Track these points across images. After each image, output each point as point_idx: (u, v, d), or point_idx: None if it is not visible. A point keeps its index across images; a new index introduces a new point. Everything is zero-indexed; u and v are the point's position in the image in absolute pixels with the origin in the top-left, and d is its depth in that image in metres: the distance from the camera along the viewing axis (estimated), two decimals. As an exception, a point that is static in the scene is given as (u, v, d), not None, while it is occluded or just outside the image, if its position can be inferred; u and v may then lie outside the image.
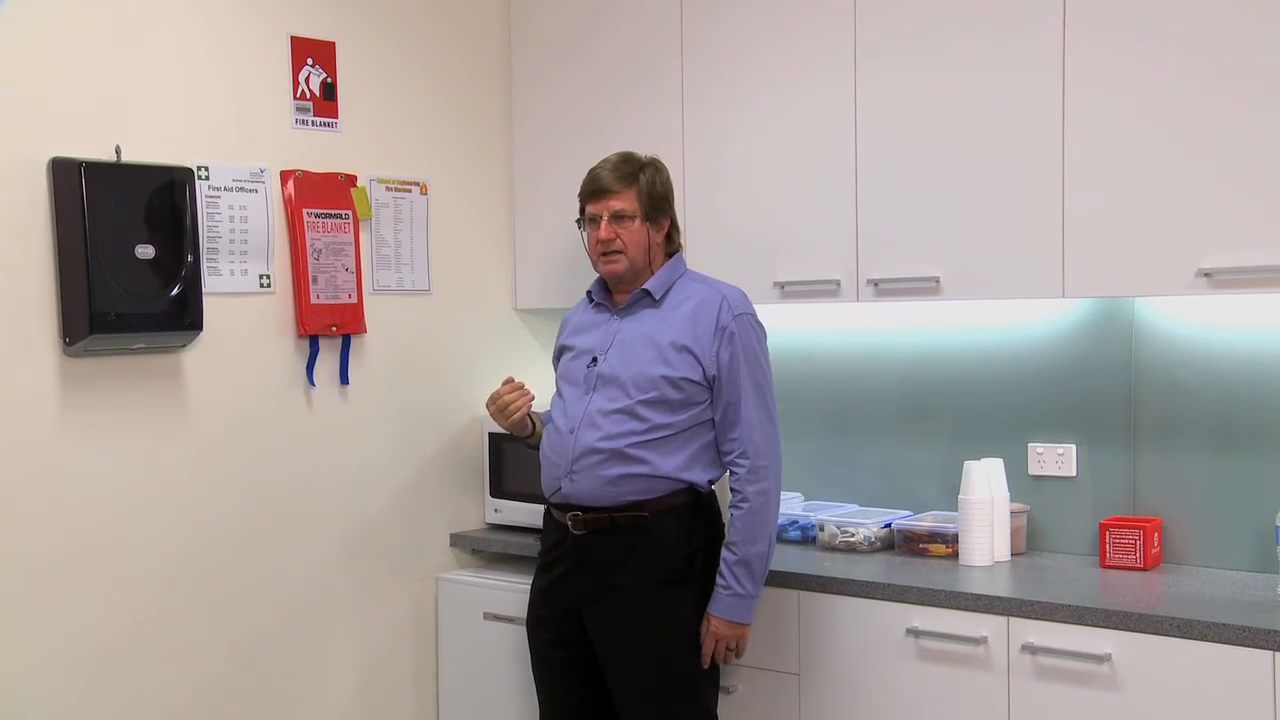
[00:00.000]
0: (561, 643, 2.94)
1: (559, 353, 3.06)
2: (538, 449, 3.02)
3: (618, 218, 2.88)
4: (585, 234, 2.96)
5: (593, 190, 2.91)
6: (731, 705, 3.10)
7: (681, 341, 2.82)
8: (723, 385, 2.82)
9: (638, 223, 2.89)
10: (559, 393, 2.99)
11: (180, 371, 3.07)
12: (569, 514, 2.85)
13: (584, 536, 2.84)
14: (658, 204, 2.92)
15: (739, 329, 2.83)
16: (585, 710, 2.97)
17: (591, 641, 2.89)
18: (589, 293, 3.04)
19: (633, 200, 2.88)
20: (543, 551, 3.00)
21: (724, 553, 2.83)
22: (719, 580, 2.82)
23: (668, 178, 2.98)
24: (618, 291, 2.97)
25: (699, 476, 2.85)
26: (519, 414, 2.97)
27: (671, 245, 2.98)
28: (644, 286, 2.91)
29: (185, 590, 3.08)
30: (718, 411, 2.84)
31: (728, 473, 2.89)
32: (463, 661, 3.59)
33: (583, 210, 2.96)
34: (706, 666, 2.86)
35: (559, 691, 2.98)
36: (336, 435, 3.40)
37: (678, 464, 2.82)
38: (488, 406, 3.01)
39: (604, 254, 2.90)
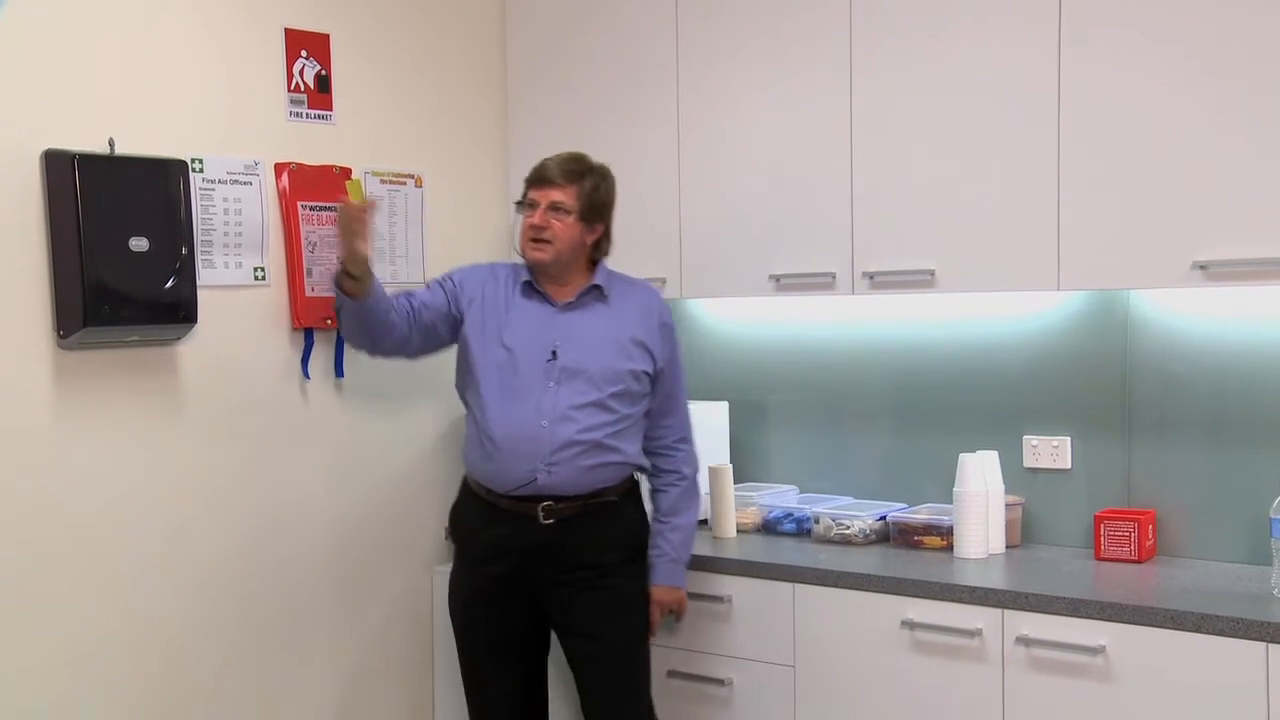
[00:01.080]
0: (516, 634, 3.00)
1: (462, 317, 2.99)
2: (352, 298, 2.83)
3: (554, 208, 2.95)
4: (520, 218, 3.01)
5: (537, 178, 3.00)
6: (726, 698, 3.11)
7: (639, 337, 2.98)
8: (664, 377, 3.02)
9: (573, 219, 2.96)
10: (490, 380, 2.93)
11: (175, 364, 3.07)
12: (540, 504, 2.88)
13: (553, 525, 2.89)
14: (597, 209, 3.00)
15: (672, 325, 3.06)
16: (534, 698, 3.08)
17: (550, 627, 2.99)
18: (528, 281, 3.00)
19: (573, 196, 2.96)
20: (487, 546, 2.97)
21: (659, 525, 3.03)
22: (655, 551, 3.01)
23: (612, 187, 3.05)
24: (547, 284, 3.00)
25: (646, 461, 3.05)
26: (362, 233, 2.77)
27: (598, 252, 3.04)
28: (594, 283, 3.00)
29: (180, 581, 3.07)
30: (656, 400, 3.03)
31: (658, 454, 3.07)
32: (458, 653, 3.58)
33: (524, 195, 3.02)
34: (654, 635, 3.03)
35: (515, 685, 3.03)
36: (331, 428, 3.40)
37: (636, 450, 3.00)
38: (337, 218, 2.84)
39: (534, 240, 2.96)
